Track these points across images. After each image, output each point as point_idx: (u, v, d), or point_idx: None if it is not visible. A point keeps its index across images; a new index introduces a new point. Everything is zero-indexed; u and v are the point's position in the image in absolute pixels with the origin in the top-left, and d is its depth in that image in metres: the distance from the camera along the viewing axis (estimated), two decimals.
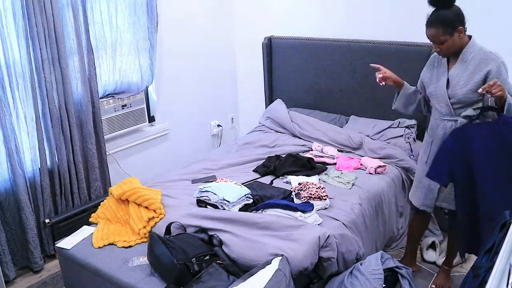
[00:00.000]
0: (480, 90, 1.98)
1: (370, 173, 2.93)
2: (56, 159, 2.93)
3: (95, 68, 3.03)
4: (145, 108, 3.55)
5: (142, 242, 2.33)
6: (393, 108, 2.53)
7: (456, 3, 2.23)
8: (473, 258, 2.82)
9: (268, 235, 2.19)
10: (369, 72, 3.44)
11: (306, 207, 2.37)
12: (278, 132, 3.68)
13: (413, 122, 3.28)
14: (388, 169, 2.97)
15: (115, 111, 3.31)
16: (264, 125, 3.81)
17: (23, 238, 2.81)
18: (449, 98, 2.18)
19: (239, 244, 2.15)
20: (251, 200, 2.51)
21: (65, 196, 2.99)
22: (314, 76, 3.76)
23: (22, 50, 2.65)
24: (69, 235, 2.44)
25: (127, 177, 2.81)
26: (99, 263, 2.19)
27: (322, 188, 2.56)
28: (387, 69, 2.43)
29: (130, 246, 2.31)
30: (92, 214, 2.59)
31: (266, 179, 2.90)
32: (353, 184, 2.79)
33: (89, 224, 2.55)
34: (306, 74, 3.80)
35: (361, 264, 2.21)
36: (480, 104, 2.13)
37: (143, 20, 3.32)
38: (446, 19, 2.16)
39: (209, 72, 4.12)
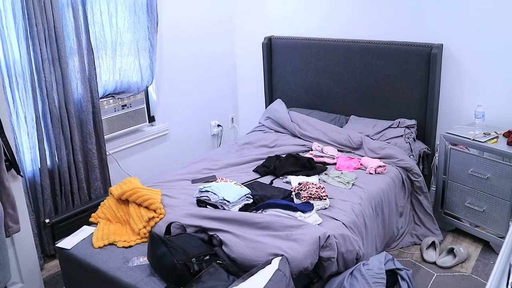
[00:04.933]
0: None
1: (370, 173, 2.93)
2: (56, 159, 2.93)
3: (95, 68, 3.03)
4: (145, 108, 3.55)
5: (142, 242, 2.33)
6: None
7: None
8: (473, 257, 2.82)
9: (268, 235, 2.19)
10: (369, 72, 3.45)
11: (306, 207, 2.37)
12: (278, 132, 3.68)
13: (413, 122, 3.28)
14: (388, 169, 2.97)
15: (115, 111, 3.31)
16: (264, 125, 3.81)
17: None
18: None
19: (239, 244, 2.15)
20: (251, 200, 2.51)
21: (65, 196, 2.99)
22: (314, 76, 3.76)
23: (22, 50, 2.65)
24: (69, 235, 2.43)
25: (127, 177, 2.81)
26: (99, 263, 2.19)
27: (322, 188, 2.56)
28: None
29: (130, 246, 2.31)
30: (92, 214, 2.59)
31: (266, 179, 2.90)
32: (353, 184, 2.79)
33: (89, 224, 2.54)
34: (306, 74, 3.80)
35: (363, 265, 2.21)
36: None
37: (143, 20, 3.32)
38: None
39: (209, 72, 4.11)
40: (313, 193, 2.51)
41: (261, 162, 3.13)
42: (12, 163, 2.23)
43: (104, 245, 2.31)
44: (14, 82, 2.65)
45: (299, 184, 2.63)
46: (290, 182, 2.80)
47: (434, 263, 2.78)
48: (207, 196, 2.49)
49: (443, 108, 3.29)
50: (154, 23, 3.37)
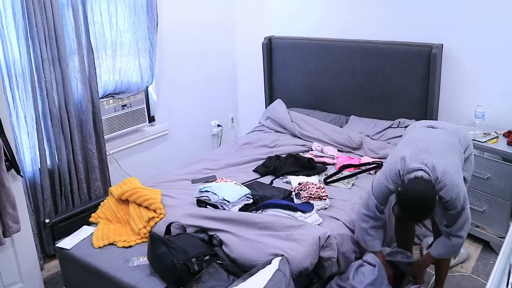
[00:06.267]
0: None
1: (370, 173, 2.93)
2: (56, 159, 2.92)
3: (95, 68, 3.03)
4: (145, 108, 3.55)
5: (142, 242, 2.33)
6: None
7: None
8: (473, 257, 2.82)
9: (268, 235, 2.19)
10: (369, 72, 3.45)
11: (306, 207, 2.37)
12: (278, 132, 3.68)
13: (413, 122, 3.27)
14: None
15: (115, 111, 3.31)
16: (264, 125, 3.81)
17: None
18: None
19: (239, 244, 2.15)
20: (251, 200, 2.51)
21: (65, 196, 2.99)
22: (314, 76, 3.76)
23: (22, 50, 2.65)
24: (69, 235, 2.44)
25: (127, 177, 2.81)
26: (99, 263, 2.19)
27: (322, 188, 2.56)
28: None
29: (130, 246, 2.31)
30: (92, 214, 2.59)
31: (266, 179, 2.90)
32: (353, 184, 2.79)
33: (89, 224, 2.54)
34: (306, 74, 3.80)
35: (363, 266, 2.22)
36: None
37: (143, 20, 3.32)
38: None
39: (209, 72, 4.11)
40: (313, 193, 2.50)
41: (261, 162, 3.13)
42: (12, 163, 2.23)
43: (104, 245, 2.31)
44: (14, 82, 2.65)
45: (299, 184, 2.63)
46: (290, 182, 2.80)
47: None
48: (207, 196, 2.49)
49: (443, 108, 3.29)
50: (154, 23, 3.36)
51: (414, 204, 1.92)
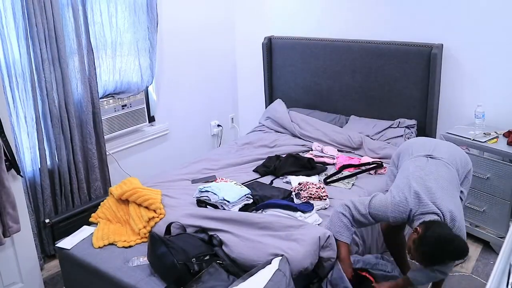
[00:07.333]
0: None
1: (370, 173, 2.93)
2: (56, 159, 2.93)
3: (95, 68, 3.03)
4: (145, 108, 3.55)
5: (142, 242, 2.33)
6: None
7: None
8: (473, 257, 2.82)
9: (268, 235, 2.19)
10: (369, 72, 3.45)
11: (306, 207, 2.37)
12: (278, 132, 3.68)
13: (413, 122, 3.28)
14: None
15: (115, 111, 3.31)
16: (264, 125, 3.81)
17: None
18: None
19: (239, 244, 2.15)
20: (251, 200, 2.51)
21: (65, 196, 2.99)
22: (314, 76, 3.76)
23: (22, 50, 2.65)
24: (69, 235, 2.44)
25: (127, 177, 2.81)
26: (99, 263, 2.19)
27: (322, 188, 2.56)
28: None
29: (130, 246, 2.31)
30: (92, 214, 2.59)
31: (266, 179, 2.90)
32: (353, 184, 2.79)
33: (89, 224, 2.54)
34: (306, 74, 3.80)
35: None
36: None
37: (143, 20, 3.32)
38: None
39: (209, 72, 4.11)
40: (313, 193, 2.50)
41: (261, 162, 3.13)
42: (12, 163, 2.23)
43: (104, 245, 2.31)
44: (14, 82, 2.65)
45: (299, 184, 2.63)
46: (290, 182, 2.80)
47: None
48: (207, 196, 2.49)
49: (443, 108, 3.29)
50: (154, 23, 3.36)
51: (448, 251, 1.90)
